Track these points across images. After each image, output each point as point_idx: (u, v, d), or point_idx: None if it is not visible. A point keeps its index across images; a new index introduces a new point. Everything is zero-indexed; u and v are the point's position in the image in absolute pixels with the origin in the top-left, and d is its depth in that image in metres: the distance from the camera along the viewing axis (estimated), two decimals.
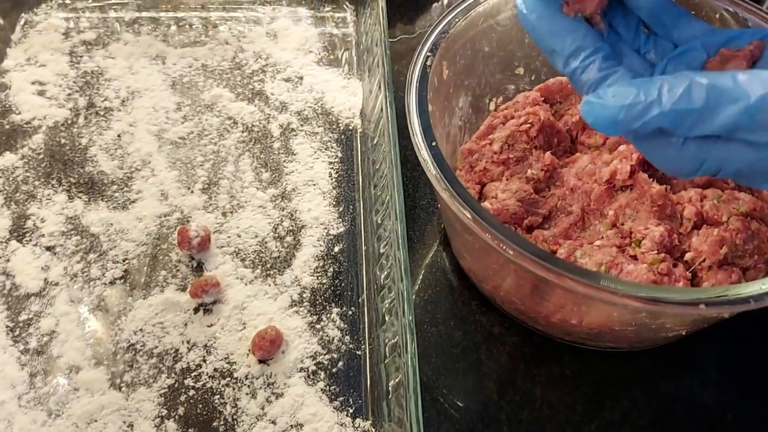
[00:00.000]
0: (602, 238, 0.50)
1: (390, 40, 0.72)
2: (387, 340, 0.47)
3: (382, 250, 0.52)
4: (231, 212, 0.56)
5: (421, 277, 0.55)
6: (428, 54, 0.49)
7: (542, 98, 0.58)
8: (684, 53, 0.37)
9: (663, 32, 0.38)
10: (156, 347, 0.49)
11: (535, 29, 0.37)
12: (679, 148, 0.32)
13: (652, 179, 0.50)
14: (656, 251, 0.47)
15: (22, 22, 0.69)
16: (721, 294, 0.38)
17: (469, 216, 0.42)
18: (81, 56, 0.66)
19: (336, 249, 0.54)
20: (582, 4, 0.36)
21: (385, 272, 0.50)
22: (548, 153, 0.54)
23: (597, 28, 0.37)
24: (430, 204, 0.59)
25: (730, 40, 0.36)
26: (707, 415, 0.49)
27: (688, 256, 0.48)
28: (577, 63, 0.36)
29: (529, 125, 0.55)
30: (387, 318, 0.48)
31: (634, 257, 0.48)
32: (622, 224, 0.49)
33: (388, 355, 0.47)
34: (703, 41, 0.36)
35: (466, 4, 0.52)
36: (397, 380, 0.44)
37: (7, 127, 0.61)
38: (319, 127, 0.62)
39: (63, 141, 0.60)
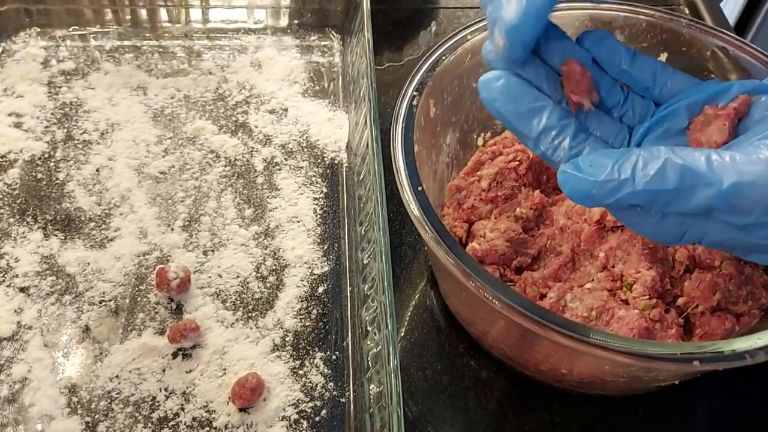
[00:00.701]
0: (593, 280, 0.49)
1: (377, 68, 0.71)
2: (372, 388, 0.46)
3: (368, 292, 0.50)
4: (212, 251, 0.54)
5: (407, 318, 0.54)
6: (414, 93, 0.48)
7: None
8: (665, 118, 0.36)
9: (642, 90, 0.37)
10: (132, 395, 0.47)
11: (500, 115, 0.36)
12: (658, 221, 0.32)
13: None
14: (648, 296, 0.46)
15: None
16: (716, 350, 0.37)
17: (452, 262, 0.40)
18: (60, 86, 0.65)
19: (320, 289, 0.53)
20: (581, 97, 0.35)
21: (370, 315, 0.49)
22: (537, 191, 0.53)
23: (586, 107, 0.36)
24: (417, 241, 0.58)
25: (715, 96, 0.35)
26: None
27: (680, 301, 0.47)
28: (545, 145, 0.35)
29: (517, 162, 0.54)
30: (371, 365, 0.47)
31: (626, 301, 0.47)
32: (613, 266, 0.48)
33: (373, 404, 0.45)
34: (687, 101, 0.35)
35: (453, 40, 0.51)
36: (381, 426, 0.43)
37: None
38: (303, 161, 0.61)
39: (39, 176, 0.58)
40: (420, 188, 0.43)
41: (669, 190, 0.29)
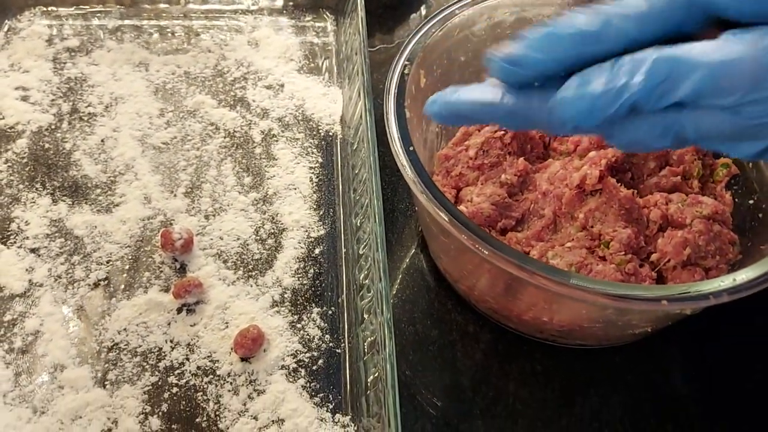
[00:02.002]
0: (573, 240, 0.52)
1: (369, 49, 0.73)
2: (366, 338, 0.49)
3: (361, 252, 0.54)
4: (213, 215, 0.57)
5: (399, 278, 0.57)
6: (406, 63, 0.51)
7: None
8: None
9: None
10: (140, 346, 0.50)
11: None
12: (651, 123, 0.33)
13: (620, 184, 0.52)
14: (624, 252, 0.49)
15: (5, 29, 0.69)
16: (683, 291, 0.40)
17: (445, 218, 0.43)
18: (64, 63, 0.67)
19: (316, 251, 0.56)
20: None
21: (364, 273, 0.52)
22: (521, 159, 0.56)
23: None
24: (408, 207, 0.61)
25: None
26: (674, 408, 0.51)
27: (653, 256, 0.50)
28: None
29: (503, 132, 0.57)
30: (366, 317, 0.50)
31: (603, 258, 0.50)
32: (592, 227, 0.52)
33: (366, 352, 0.48)
34: None
35: (442, 15, 0.55)
36: (375, 376, 0.46)
37: None
38: (299, 133, 0.64)
39: (47, 146, 0.61)
40: (411, 148, 0.46)
41: (663, 81, 0.31)
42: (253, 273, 0.54)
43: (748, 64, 0.31)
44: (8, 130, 0.62)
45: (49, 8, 0.71)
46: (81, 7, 0.72)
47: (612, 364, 0.52)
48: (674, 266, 0.50)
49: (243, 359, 0.49)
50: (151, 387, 0.48)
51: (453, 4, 0.55)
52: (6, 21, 0.70)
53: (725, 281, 0.41)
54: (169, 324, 0.51)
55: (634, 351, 0.53)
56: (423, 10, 0.82)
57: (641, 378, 0.52)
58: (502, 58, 0.34)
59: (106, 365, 0.49)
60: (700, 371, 0.53)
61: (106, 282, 0.53)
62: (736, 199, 0.54)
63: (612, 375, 0.52)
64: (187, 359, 0.49)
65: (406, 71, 0.51)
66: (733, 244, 0.51)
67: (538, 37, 0.33)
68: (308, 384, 0.49)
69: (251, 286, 0.53)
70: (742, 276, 0.41)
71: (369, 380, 0.47)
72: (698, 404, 0.51)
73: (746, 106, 0.32)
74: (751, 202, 0.54)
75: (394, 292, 0.56)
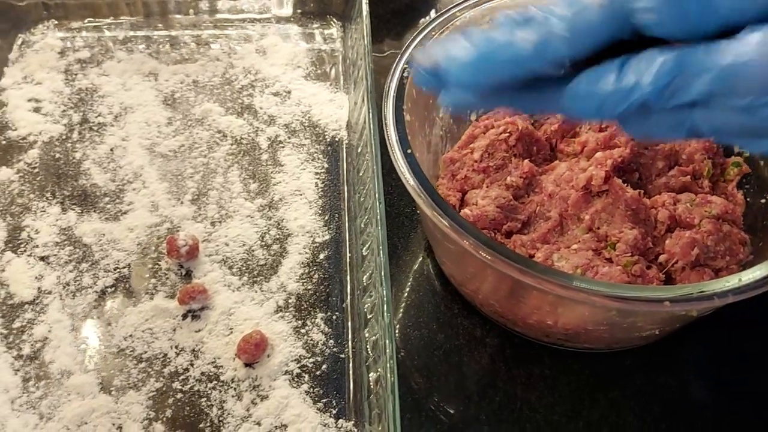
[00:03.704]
0: (579, 242, 0.51)
1: (378, 55, 0.74)
2: (369, 342, 0.49)
3: (365, 254, 0.53)
4: (219, 222, 0.58)
5: (405, 282, 0.57)
6: (405, 66, 0.51)
7: None
8: None
9: None
10: (145, 352, 0.50)
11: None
12: (663, 118, 0.33)
13: (627, 184, 0.51)
14: (630, 254, 0.48)
15: (19, 42, 0.71)
16: (687, 292, 0.39)
17: (446, 224, 0.43)
18: (76, 74, 0.68)
19: (321, 256, 0.56)
20: None
21: (368, 275, 0.51)
22: (527, 161, 0.56)
23: None
24: (414, 212, 0.61)
25: None
26: (685, 412, 0.50)
27: (661, 258, 0.49)
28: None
29: (507, 134, 0.57)
30: (369, 318, 0.49)
31: (610, 260, 0.49)
32: (598, 228, 0.51)
33: (370, 356, 0.48)
34: None
35: (443, 17, 0.54)
36: (376, 379, 0.46)
37: (4, 142, 0.63)
38: (306, 139, 0.64)
39: (57, 155, 0.62)
40: (409, 151, 0.46)
41: (672, 82, 0.31)
42: (258, 279, 0.54)
43: (760, 67, 0.30)
44: (20, 140, 0.63)
45: (62, 21, 0.73)
46: (93, 19, 0.73)
47: (621, 368, 0.52)
48: (683, 267, 0.49)
49: (247, 365, 0.49)
50: (155, 393, 0.48)
51: (454, 6, 0.55)
52: (20, 35, 0.71)
53: (731, 281, 0.40)
54: (174, 330, 0.51)
55: (643, 354, 0.52)
56: (432, 14, 0.81)
57: (651, 382, 0.51)
58: (425, 68, 0.34)
59: (112, 371, 0.49)
60: (712, 374, 0.52)
61: (113, 289, 0.53)
62: (748, 199, 0.53)
63: (621, 379, 0.51)
64: (192, 365, 0.50)
65: (405, 74, 0.50)
66: (744, 244, 0.50)
67: (467, 60, 0.32)
68: (312, 389, 0.49)
69: (256, 291, 0.53)
70: (749, 276, 0.40)
71: (371, 385, 0.47)
72: (710, 408, 0.50)
73: (760, 107, 0.31)
74: (763, 201, 0.52)
75: (400, 297, 0.56)
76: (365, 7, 0.66)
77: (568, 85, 0.34)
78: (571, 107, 0.34)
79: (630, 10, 0.31)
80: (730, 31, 0.31)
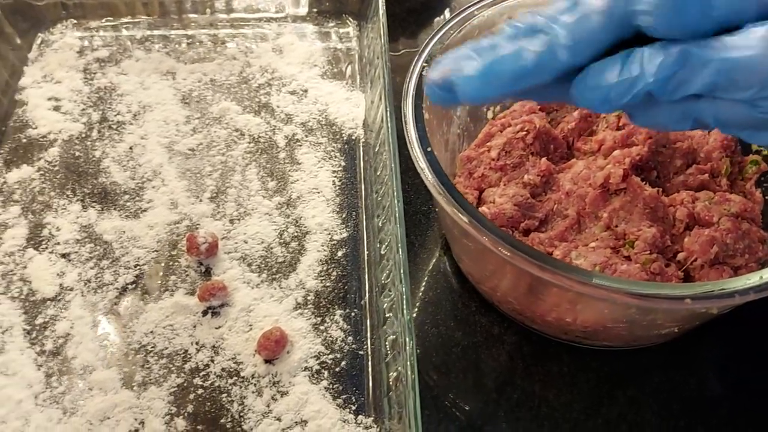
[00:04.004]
0: (597, 239, 0.51)
1: (393, 53, 0.74)
2: (387, 339, 0.49)
3: (383, 252, 0.54)
4: (238, 219, 0.58)
5: (422, 280, 0.57)
6: (424, 64, 0.51)
7: (538, 107, 0.59)
8: None
9: None
10: (166, 348, 0.51)
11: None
12: (669, 109, 0.34)
13: (645, 182, 0.51)
14: (649, 251, 0.48)
15: (38, 42, 0.71)
16: (707, 289, 0.39)
17: (465, 220, 0.43)
18: (94, 73, 0.69)
19: (339, 253, 0.56)
20: None
21: (386, 273, 0.52)
22: (544, 159, 0.56)
23: None
24: (431, 210, 0.61)
25: None
26: (704, 410, 0.50)
27: (680, 256, 0.49)
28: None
29: (525, 132, 0.57)
30: (388, 317, 0.50)
31: (628, 258, 0.49)
32: (616, 226, 0.51)
33: (389, 352, 0.48)
34: None
35: (461, 16, 0.54)
36: (396, 378, 0.46)
37: (24, 141, 0.63)
38: (323, 137, 0.64)
39: (77, 154, 0.63)
40: (429, 149, 0.46)
41: (676, 73, 0.31)
42: (277, 276, 0.55)
43: (761, 61, 0.30)
44: (41, 139, 0.63)
45: (81, 21, 0.73)
46: (111, 19, 0.74)
47: (639, 366, 0.52)
48: (701, 265, 0.49)
49: (267, 361, 0.50)
50: (176, 388, 0.49)
51: (472, 5, 0.55)
52: (39, 34, 0.72)
53: (752, 279, 0.40)
54: (194, 326, 0.52)
55: (662, 352, 0.52)
56: (447, 13, 0.82)
57: (670, 380, 0.51)
58: (437, 84, 0.34)
59: (134, 367, 0.50)
60: (731, 372, 0.52)
61: (133, 286, 0.54)
62: (767, 197, 0.53)
63: (640, 377, 0.51)
64: (212, 361, 0.50)
65: (424, 72, 0.51)
66: (763, 242, 0.50)
67: (474, 74, 0.33)
68: (331, 385, 0.49)
69: (275, 288, 0.54)
70: None
71: (391, 382, 0.47)
72: (729, 406, 0.50)
73: (763, 100, 0.31)
74: None
75: (417, 295, 0.56)
76: (382, 6, 0.66)
77: (576, 77, 0.34)
78: (578, 99, 0.34)
79: (631, 13, 0.32)
80: (728, 30, 0.32)
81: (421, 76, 0.51)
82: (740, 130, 0.35)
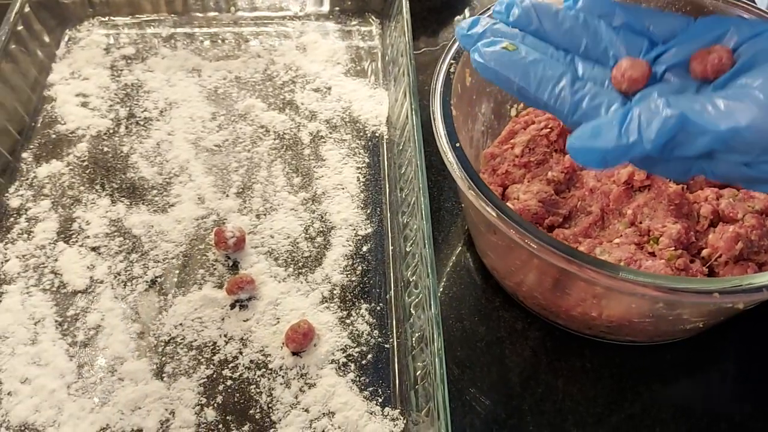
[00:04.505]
0: (621, 236, 0.52)
1: (414, 52, 0.74)
2: (414, 334, 0.50)
3: (408, 249, 0.54)
4: (264, 214, 0.59)
5: (446, 275, 0.57)
6: (452, 62, 0.52)
7: None
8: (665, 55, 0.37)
9: (638, 26, 0.38)
10: (195, 340, 0.51)
11: (497, 76, 0.38)
12: (666, 164, 0.34)
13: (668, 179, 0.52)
14: (674, 248, 0.49)
15: (66, 39, 0.72)
16: (735, 284, 0.40)
17: (494, 214, 0.44)
18: (121, 70, 0.70)
19: (364, 248, 0.57)
20: (635, 84, 0.36)
21: (411, 269, 0.52)
22: (568, 156, 0.56)
23: None
24: (454, 206, 0.62)
25: (717, 39, 0.36)
26: (727, 406, 0.50)
27: (704, 252, 0.50)
28: (546, 96, 0.36)
29: (549, 130, 0.57)
30: (413, 312, 0.50)
31: (653, 254, 0.50)
32: (641, 223, 0.51)
33: (415, 347, 0.49)
34: (689, 42, 0.37)
35: (488, 13, 0.55)
36: (423, 371, 0.47)
37: (54, 136, 0.64)
38: (347, 134, 0.65)
39: (105, 149, 0.63)
40: (458, 144, 0.47)
41: (672, 140, 0.32)
42: (303, 270, 0.55)
43: (758, 130, 0.31)
44: (69, 134, 0.64)
45: (107, 18, 0.74)
46: (136, 16, 0.75)
47: (663, 361, 0.52)
48: (726, 261, 0.49)
49: (294, 353, 0.50)
50: (206, 380, 0.49)
51: (493, 5, 0.56)
52: (66, 31, 0.73)
53: None
54: (222, 319, 0.52)
55: (686, 347, 0.52)
56: (467, 12, 0.82)
57: (693, 375, 0.52)
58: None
59: (164, 358, 0.50)
60: (755, 368, 0.52)
61: (162, 279, 0.55)
62: None
63: (663, 372, 0.52)
64: (241, 353, 0.51)
65: (451, 70, 0.51)
66: None
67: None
68: (358, 378, 0.50)
69: (301, 282, 0.55)
70: None
71: (417, 375, 0.48)
72: (752, 402, 0.50)
73: (760, 164, 0.32)
74: None
75: (441, 290, 0.56)
76: (406, 5, 0.67)
77: (570, 136, 0.35)
78: (574, 158, 0.35)
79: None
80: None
81: (449, 73, 0.51)
82: (741, 183, 0.36)
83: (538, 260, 0.44)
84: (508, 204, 0.54)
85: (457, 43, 0.53)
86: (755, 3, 0.58)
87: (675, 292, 0.40)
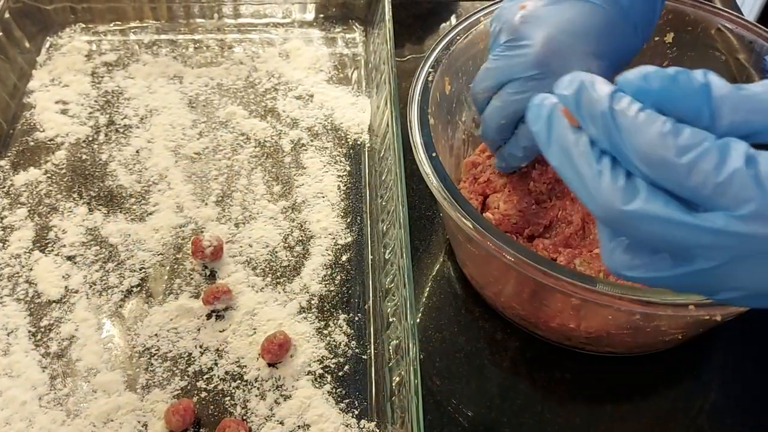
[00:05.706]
0: None
1: (399, 59, 0.74)
2: (391, 343, 0.49)
3: (387, 257, 0.54)
4: (243, 223, 0.58)
5: (426, 285, 0.57)
6: (430, 70, 0.51)
7: None
8: None
9: None
10: (170, 351, 0.51)
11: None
12: None
13: None
14: None
15: (47, 45, 0.72)
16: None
17: (470, 225, 0.43)
18: (102, 77, 0.69)
19: (344, 258, 0.56)
20: None
21: (390, 278, 0.52)
22: (551, 167, 0.56)
23: None
24: (435, 215, 0.61)
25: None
26: (709, 418, 0.50)
27: None
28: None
29: None
30: (391, 321, 0.50)
31: None
32: None
33: (392, 357, 0.48)
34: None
35: (467, 22, 0.55)
36: (399, 382, 0.46)
37: (32, 144, 0.64)
38: (328, 142, 0.65)
39: (84, 157, 0.63)
40: (434, 154, 0.46)
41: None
42: (281, 280, 0.55)
43: None
44: (48, 142, 0.64)
45: (89, 25, 0.74)
46: (119, 23, 0.74)
47: (644, 373, 0.51)
48: None
49: (270, 365, 0.50)
50: (180, 391, 0.49)
51: (478, 11, 0.56)
52: (48, 38, 0.72)
53: None
54: (198, 330, 0.52)
55: (666, 359, 0.52)
56: (453, 19, 0.82)
57: (674, 386, 0.51)
58: None
59: (138, 370, 0.50)
60: (735, 379, 0.51)
61: (138, 288, 0.54)
62: None
63: (643, 384, 0.51)
64: (216, 364, 0.50)
65: (430, 78, 0.51)
66: None
67: None
68: (334, 390, 0.49)
69: (279, 292, 0.54)
70: None
71: (394, 386, 0.47)
72: (734, 414, 0.50)
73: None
74: None
75: (421, 300, 0.56)
76: (389, 12, 0.67)
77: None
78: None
79: None
80: None
81: (427, 82, 0.51)
82: None
83: (515, 272, 0.43)
84: (488, 214, 0.54)
85: (435, 53, 0.52)
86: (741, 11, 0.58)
87: (651, 305, 0.39)
